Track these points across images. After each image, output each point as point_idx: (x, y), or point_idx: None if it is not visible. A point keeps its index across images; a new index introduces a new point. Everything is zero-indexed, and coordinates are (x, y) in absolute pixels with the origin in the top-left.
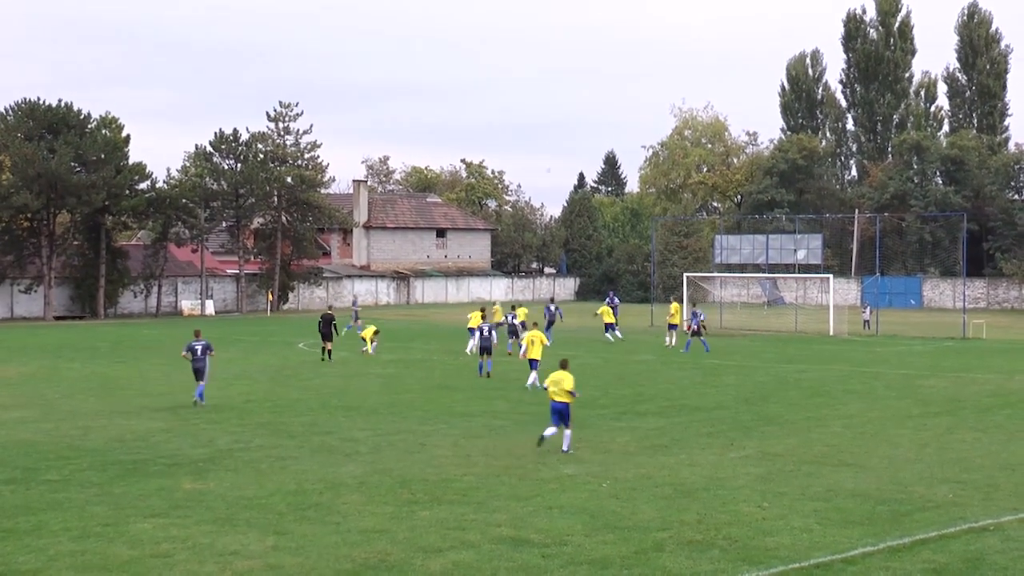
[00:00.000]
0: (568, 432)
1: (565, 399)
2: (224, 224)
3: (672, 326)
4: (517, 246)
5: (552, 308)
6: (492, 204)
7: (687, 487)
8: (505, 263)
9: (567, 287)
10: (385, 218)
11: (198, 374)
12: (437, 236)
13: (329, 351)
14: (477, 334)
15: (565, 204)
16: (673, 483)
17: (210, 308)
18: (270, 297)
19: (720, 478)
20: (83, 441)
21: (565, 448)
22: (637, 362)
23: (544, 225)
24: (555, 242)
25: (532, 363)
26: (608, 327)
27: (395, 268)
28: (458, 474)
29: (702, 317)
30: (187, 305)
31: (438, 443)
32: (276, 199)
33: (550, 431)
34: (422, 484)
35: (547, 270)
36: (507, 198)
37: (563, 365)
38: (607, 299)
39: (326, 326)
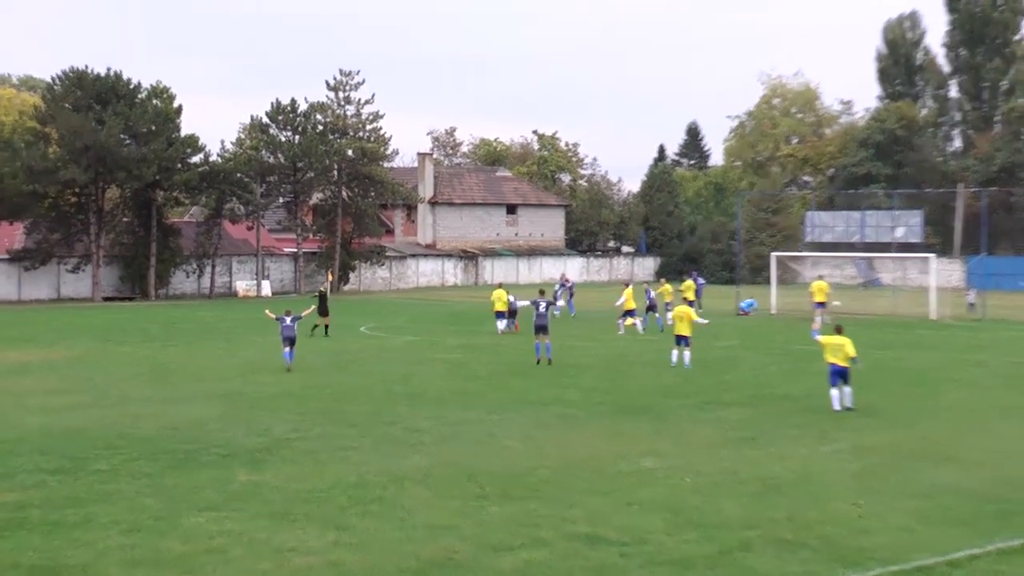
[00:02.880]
0: (848, 389)
1: (846, 363)
2: (281, 200)
3: (819, 304)
4: (593, 223)
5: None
6: (566, 179)
7: (776, 483)
8: (580, 241)
9: (646, 267)
10: (452, 193)
11: (288, 342)
12: (507, 212)
13: (327, 327)
14: (533, 309)
15: (644, 178)
16: (760, 478)
17: (266, 289)
18: (330, 277)
19: (811, 473)
20: (133, 429)
21: (849, 404)
22: (721, 348)
23: (622, 201)
24: (633, 219)
25: (679, 340)
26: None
27: (462, 247)
28: (530, 467)
29: (652, 294)
30: (242, 286)
31: (508, 433)
32: (336, 173)
33: (835, 394)
34: (491, 477)
35: (625, 249)
36: (582, 172)
37: (839, 331)
38: (690, 279)
39: (322, 302)
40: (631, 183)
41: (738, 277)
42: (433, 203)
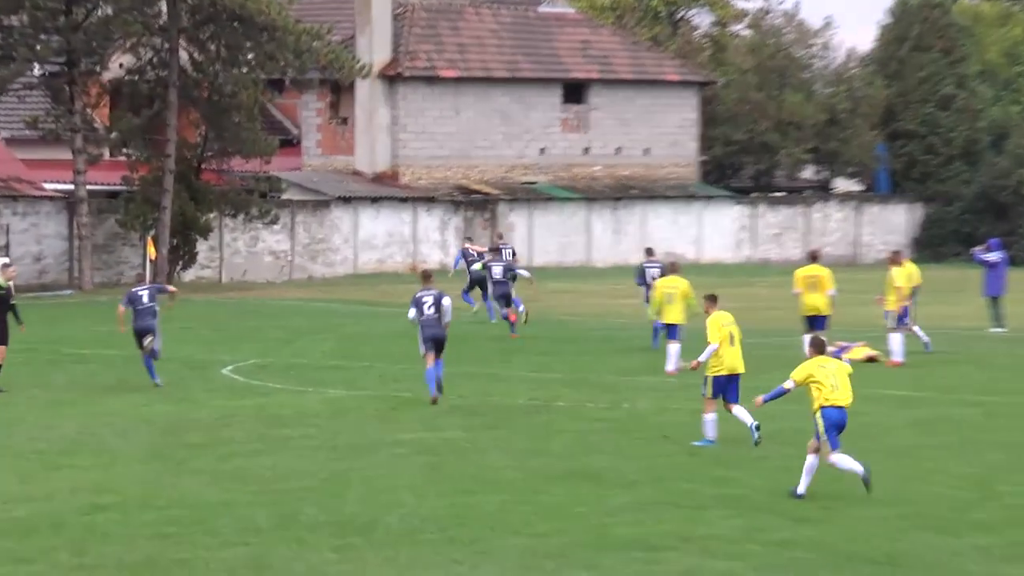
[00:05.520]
0: None
1: None
2: (37, 70)
3: None
4: (765, 127)
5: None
6: (701, 20)
7: None
8: (734, 168)
9: (893, 223)
10: (436, 56)
11: (143, 334)
12: (565, 100)
13: None
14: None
15: (885, 24)
16: None
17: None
18: (151, 251)
19: None
20: None
21: None
22: None
23: (834, 72)
24: (860, 115)
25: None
26: (899, 319)
27: (460, 181)
28: None
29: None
30: None
31: None
32: (166, 7)
33: None
34: None
35: (840, 185)
36: (739, 6)
37: None
38: (986, 251)
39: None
40: (855, 33)
41: None
42: (391, 78)
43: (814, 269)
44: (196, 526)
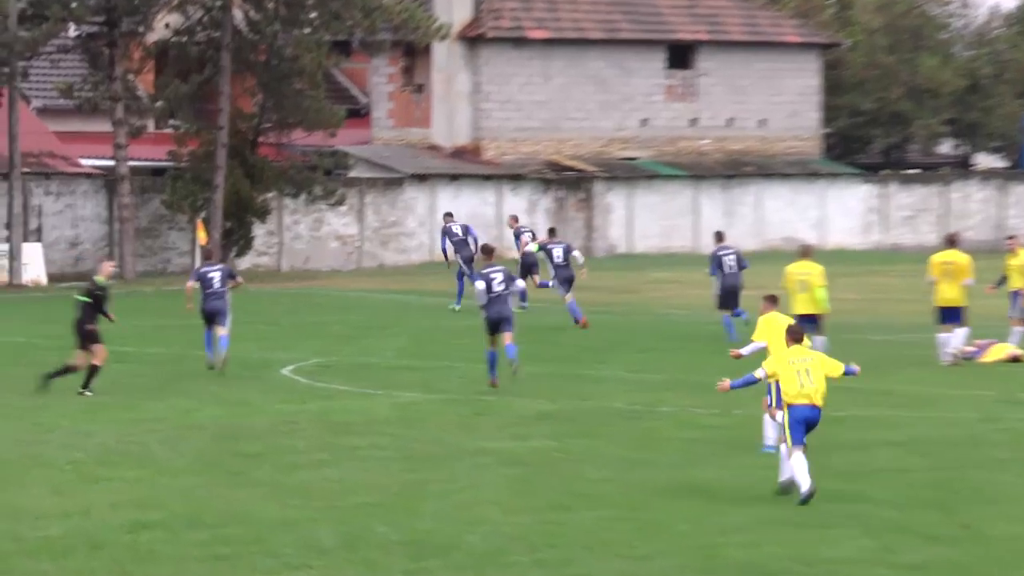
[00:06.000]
0: None
1: None
2: (74, 32)
3: None
4: (896, 94)
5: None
6: None
7: None
8: (864, 142)
9: None
10: (523, 15)
11: (212, 317)
12: (669, 64)
13: (93, 369)
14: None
15: None
16: None
17: (37, 265)
18: (202, 236)
19: None
20: None
21: None
22: None
23: (975, 33)
24: (1004, 81)
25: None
26: None
27: (551, 156)
28: None
29: None
30: None
31: None
32: None
33: None
34: None
35: (982, 160)
36: None
37: None
38: None
39: (90, 314)
40: None
41: None
42: (473, 40)
43: (951, 255)
44: (253, 546)
